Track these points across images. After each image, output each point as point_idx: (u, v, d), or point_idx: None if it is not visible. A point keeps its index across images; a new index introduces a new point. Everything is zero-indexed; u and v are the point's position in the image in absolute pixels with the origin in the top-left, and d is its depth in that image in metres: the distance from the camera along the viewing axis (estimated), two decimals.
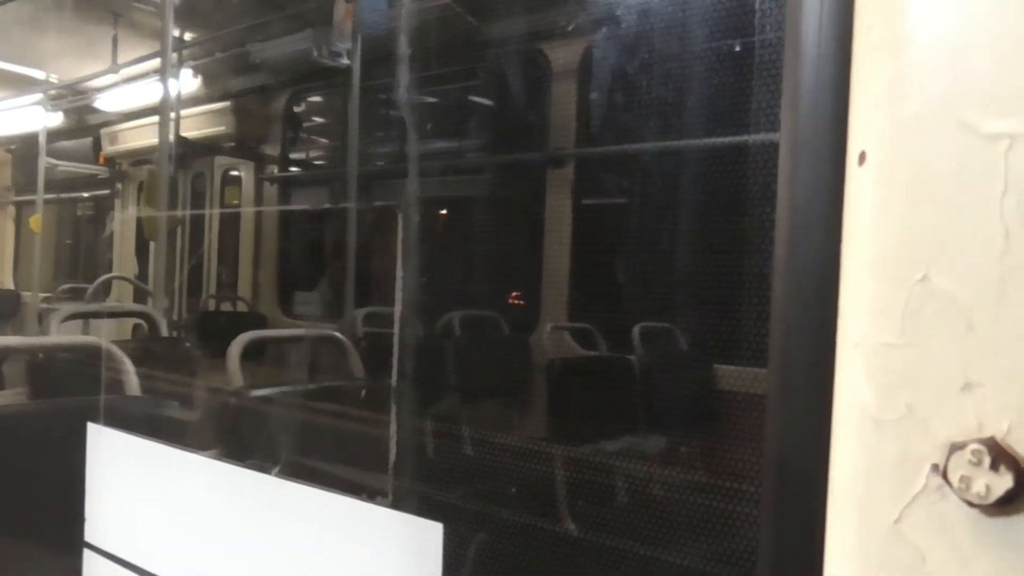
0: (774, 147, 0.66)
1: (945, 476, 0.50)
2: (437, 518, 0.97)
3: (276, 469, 1.16)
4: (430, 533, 0.98)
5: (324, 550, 1.11)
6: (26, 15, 5.87)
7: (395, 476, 1.05)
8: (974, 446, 0.48)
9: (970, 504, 0.49)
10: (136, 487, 1.40)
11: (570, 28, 4.35)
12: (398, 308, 1.06)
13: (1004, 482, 0.47)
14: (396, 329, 1.07)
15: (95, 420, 1.45)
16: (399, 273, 1.05)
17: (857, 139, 0.56)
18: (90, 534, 1.46)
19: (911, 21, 0.53)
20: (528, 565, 1.89)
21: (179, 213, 5.62)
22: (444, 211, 5.30)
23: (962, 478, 0.49)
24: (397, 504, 1.01)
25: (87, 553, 1.46)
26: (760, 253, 0.69)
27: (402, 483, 1.04)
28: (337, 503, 1.08)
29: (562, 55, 4.45)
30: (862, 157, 0.55)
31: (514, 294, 4.93)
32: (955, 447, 0.49)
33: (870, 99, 0.55)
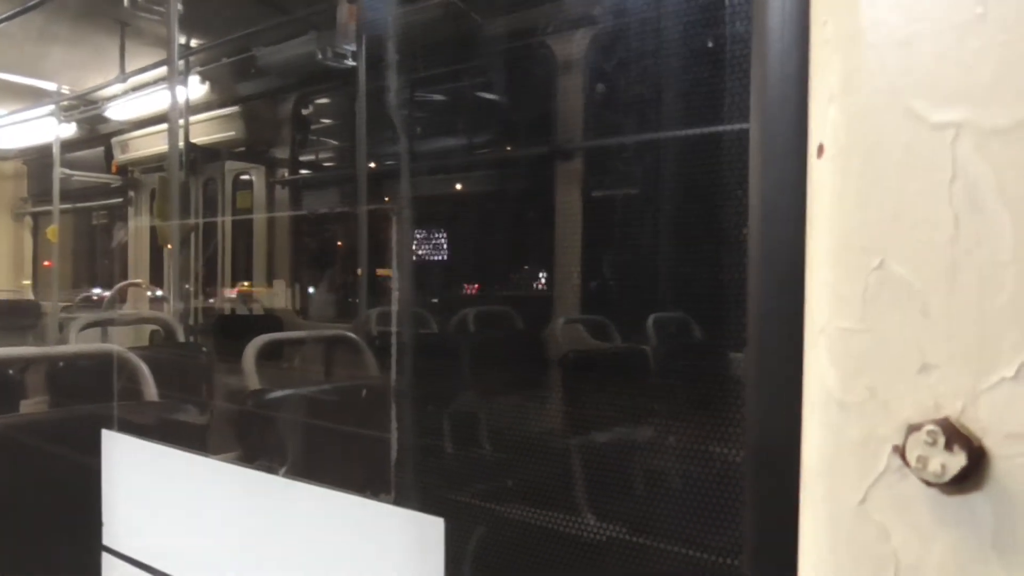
0: (745, 139, 0.68)
1: (904, 456, 0.52)
2: (439, 513, 0.99)
3: (283, 469, 1.19)
4: (432, 528, 1.01)
5: (331, 546, 1.14)
6: (35, 28, 5.94)
7: (397, 474, 1.08)
8: (929, 427, 0.50)
9: (927, 483, 0.51)
10: (150, 491, 1.44)
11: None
12: (395, 308, 1.08)
13: (958, 461, 0.49)
14: (394, 329, 1.10)
15: (109, 427, 1.48)
16: (394, 274, 1.07)
17: (815, 132, 0.58)
18: (108, 538, 1.50)
19: (861, 16, 0.54)
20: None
21: (191, 221, 5.68)
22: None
23: (919, 458, 0.51)
24: (400, 501, 1.03)
25: (105, 556, 1.49)
26: (735, 243, 0.71)
27: (404, 480, 1.07)
28: (342, 500, 1.11)
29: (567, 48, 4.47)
30: (820, 149, 0.57)
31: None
32: (912, 428, 0.51)
33: (825, 93, 0.57)
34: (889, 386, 0.53)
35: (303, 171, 6.09)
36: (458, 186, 5.30)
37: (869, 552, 0.54)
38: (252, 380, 3.67)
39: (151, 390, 3.19)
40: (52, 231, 8.02)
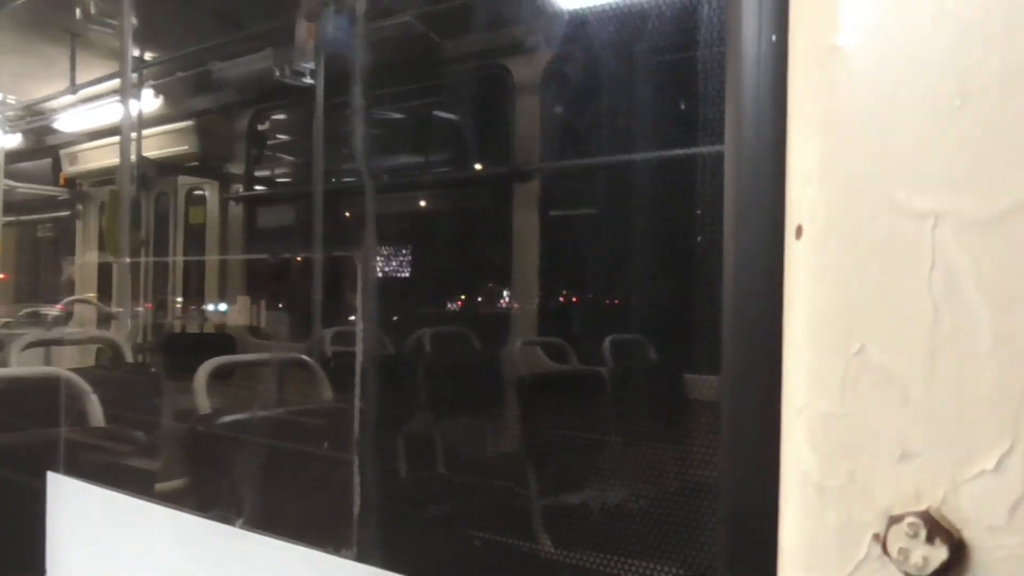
0: (718, 214, 0.67)
1: (884, 547, 0.51)
2: (406, 571, 0.97)
3: (240, 521, 1.15)
4: None
5: None
6: None
7: (359, 528, 1.05)
8: (911, 519, 0.50)
9: (908, 575, 0.50)
10: (100, 538, 1.39)
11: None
12: (359, 358, 1.06)
13: (939, 554, 0.49)
14: (357, 371, 1.08)
15: (55, 468, 1.43)
16: (359, 318, 1.05)
17: (794, 213, 0.57)
18: None
19: (840, 100, 0.54)
20: None
21: (140, 236, 5.55)
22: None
23: (900, 550, 0.50)
24: (362, 556, 1.00)
25: None
26: (709, 314, 0.70)
27: (367, 534, 1.04)
28: (301, 554, 1.07)
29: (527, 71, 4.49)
30: (799, 231, 0.56)
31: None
32: (893, 520, 0.51)
33: (803, 173, 0.56)
34: (870, 472, 0.53)
35: (258, 187, 6.01)
36: (421, 203, 5.28)
37: None
38: (203, 403, 3.58)
39: (98, 415, 3.10)
40: None
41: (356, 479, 1.04)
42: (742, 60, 0.64)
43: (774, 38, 0.61)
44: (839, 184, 0.54)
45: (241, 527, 1.15)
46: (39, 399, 3.77)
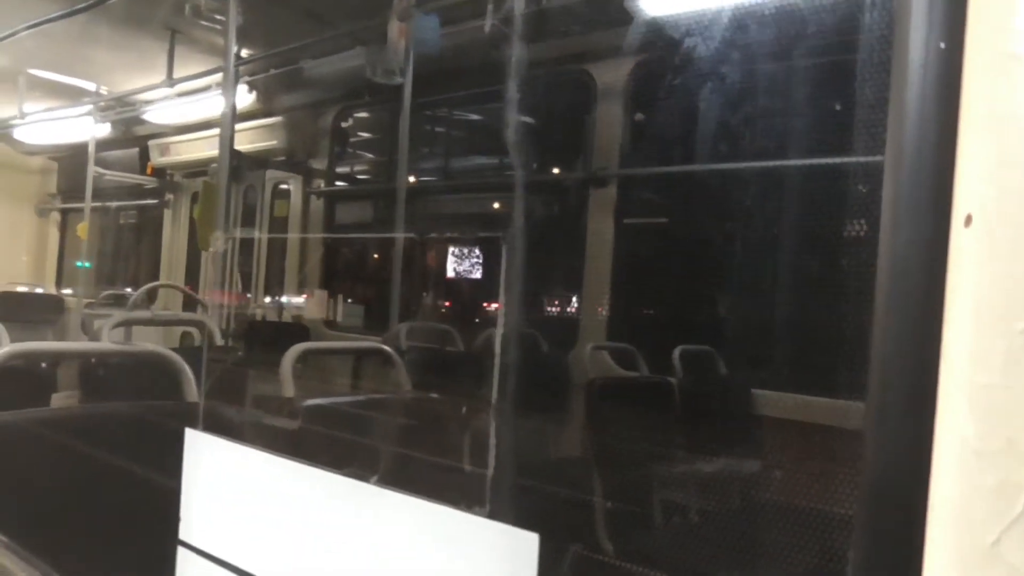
0: (876, 201, 0.74)
1: None
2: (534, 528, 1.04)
3: (375, 477, 1.24)
4: (526, 543, 1.05)
5: (418, 557, 1.19)
6: (79, 29, 6.06)
7: (493, 487, 1.13)
8: None
9: None
10: (230, 489, 1.50)
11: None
12: (500, 328, 1.15)
13: None
14: (498, 345, 1.16)
15: (193, 426, 1.55)
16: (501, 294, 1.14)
17: (963, 203, 0.63)
18: (184, 533, 1.55)
19: (1012, 101, 0.60)
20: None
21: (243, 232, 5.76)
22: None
23: None
24: (494, 514, 1.08)
25: (181, 551, 1.55)
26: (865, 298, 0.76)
27: (500, 493, 1.12)
28: (434, 511, 1.16)
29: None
30: (968, 219, 0.62)
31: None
32: None
33: (976, 169, 0.62)
34: None
35: (340, 183, 6.19)
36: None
37: None
38: (288, 388, 3.73)
39: (192, 391, 3.26)
40: (83, 228, 8.13)
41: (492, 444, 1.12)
42: (908, 66, 0.70)
43: (943, 45, 0.68)
44: (1013, 179, 0.60)
45: (375, 483, 1.24)
46: (128, 371, 3.97)
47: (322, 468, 1.33)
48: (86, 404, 3.96)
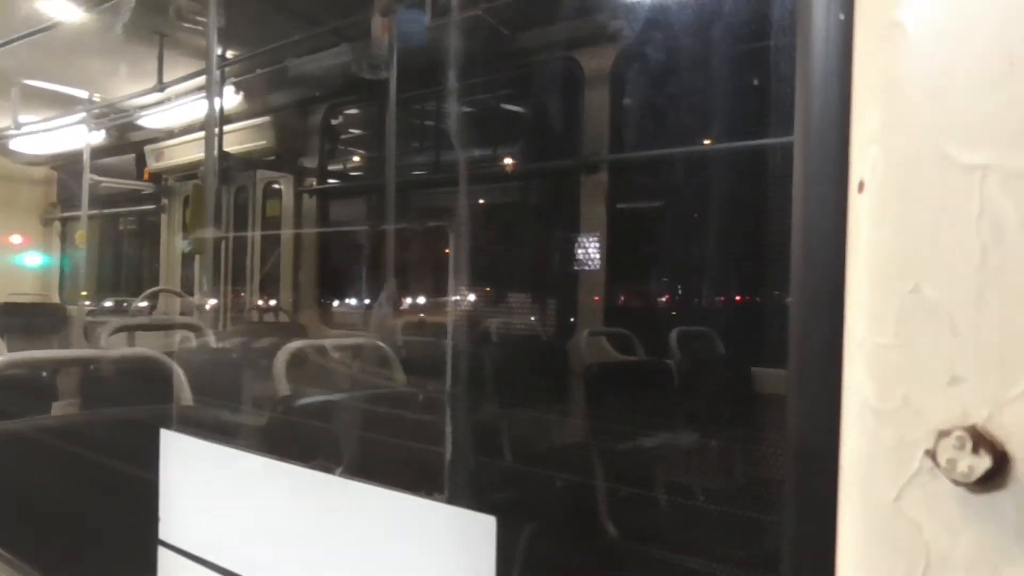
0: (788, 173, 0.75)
1: (935, 459, 0.58)
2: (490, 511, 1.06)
3: (339, 469, 1.26)
4: (484, 526, 1.07)
5: (381, 544, 1.21)
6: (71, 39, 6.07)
7: (450, 473, 1.15)
8: (958, 432, 0.57)
9: (956, 483, 0.57)
10: (206, 487, 1.52)
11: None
12: (451, 320, 1.16)
13: (983, 463, 0.56)
14: (449, 338, 1.18)
15: (167, 426, 1.57)
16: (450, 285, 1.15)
17: (856, 170, 0.65)
18: (164, 532, 1.58)
19: (899, 68, 0.62)
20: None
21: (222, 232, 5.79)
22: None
23: (948, 460, 0.57)
24: (452, 499, 1.10)
25: (161, 550, 1.57)
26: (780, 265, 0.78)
27: (457, 479, 1.14)
28: (395, 499, 1.18)
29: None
30: (861, 185, 0.64)
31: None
32: (942, 434, 0.58)
33: (866, 134, 0.64)
34: (921, 396, 0.60)
35: (331, 180, 6.21)
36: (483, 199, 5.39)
37: (902, 544, 0.61)
38: (282, 386, 3.76)
39: (187, 394, 3.29)
40: (80, 236, 8.17)
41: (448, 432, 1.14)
42: (811, 39, 0.71)
43: (842, 16, 0.69)
44: (898, 144, 0.61)
45: (340, 475, 1.26)
46: (131, 376, 4.00)
47: (290, 463, 1.35)
48: (78, 412, 4.00)
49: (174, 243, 7.43)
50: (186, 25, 4.95)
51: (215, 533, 1.51)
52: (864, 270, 0.64)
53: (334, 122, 6.13)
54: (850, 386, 0.65)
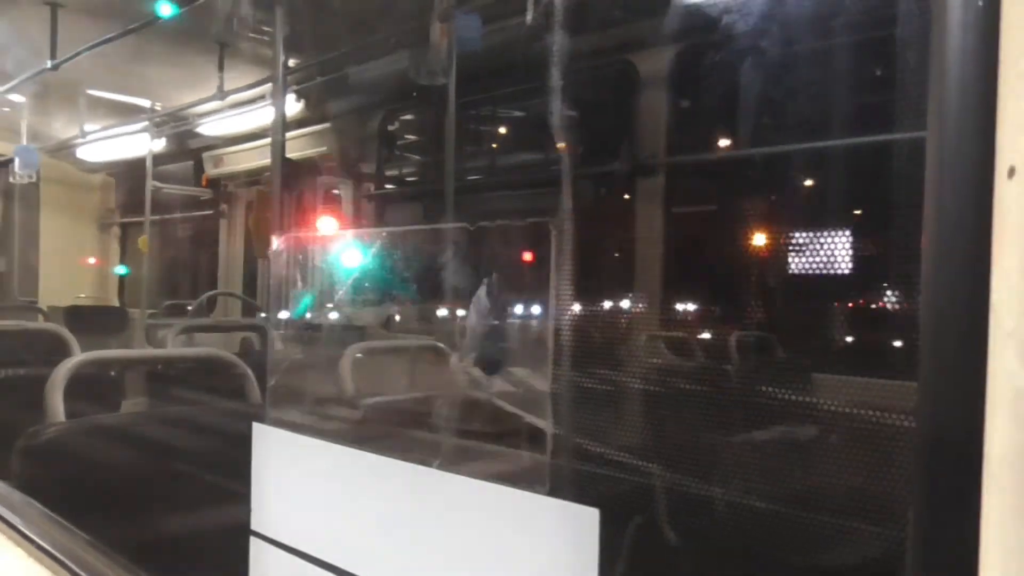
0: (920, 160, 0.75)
1: None
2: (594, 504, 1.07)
3: (437, 462, 1.28)
4: (587, 519, 1.08)
5: (480, 537, 1.23)
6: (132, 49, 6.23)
7: (552, 464, 1.16)
8: None
9: None
10: (297, 479, 1.55)
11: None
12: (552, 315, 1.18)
13: None
14: (551, 327, 1.19)
15: (260, 421, 1.61)
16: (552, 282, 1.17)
17: (1006, 156, 0.64)
18: (256, 523, 1.61)
19: None
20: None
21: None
22: None
23: None
24: (554, 491, 1.11)
25: (253, 540, 1.61)
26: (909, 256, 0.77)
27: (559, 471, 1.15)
28: (495, 492, 1.19)
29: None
30: (1011, 171, 0.63)
31: None
32: None
33: (1017, 122, 0.63)
34: None
35: (389, 186, 6.28)
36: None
37: None
38: (347, 386, 3.81)
39: (254, 391, 3.35)
40: (143, 241, 8.38)
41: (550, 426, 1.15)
42: (948, 26, 0.71)
43: (980, 3, 0.68)
44: None
45: (438, 468, 1.28)
46: (198, 375, 4.08)
47: (382, 455, 1.37)
48: (155, 409, 4.10)
49: (234, 247, 7.58)
50: (251, 35, 5.06)
51: (305, 523, 1.54)
52: (1014, 257, 0.64)
53: (391, 128, 6.21)
54: (999, 375, 0.65)
